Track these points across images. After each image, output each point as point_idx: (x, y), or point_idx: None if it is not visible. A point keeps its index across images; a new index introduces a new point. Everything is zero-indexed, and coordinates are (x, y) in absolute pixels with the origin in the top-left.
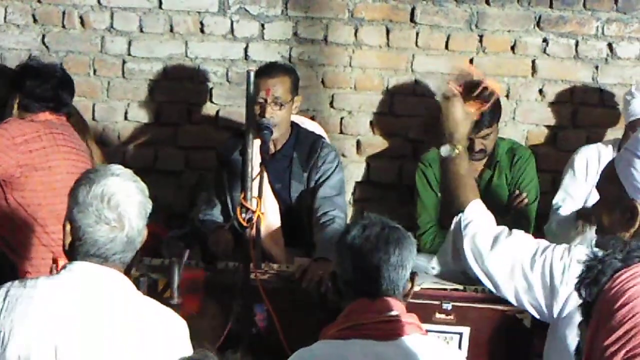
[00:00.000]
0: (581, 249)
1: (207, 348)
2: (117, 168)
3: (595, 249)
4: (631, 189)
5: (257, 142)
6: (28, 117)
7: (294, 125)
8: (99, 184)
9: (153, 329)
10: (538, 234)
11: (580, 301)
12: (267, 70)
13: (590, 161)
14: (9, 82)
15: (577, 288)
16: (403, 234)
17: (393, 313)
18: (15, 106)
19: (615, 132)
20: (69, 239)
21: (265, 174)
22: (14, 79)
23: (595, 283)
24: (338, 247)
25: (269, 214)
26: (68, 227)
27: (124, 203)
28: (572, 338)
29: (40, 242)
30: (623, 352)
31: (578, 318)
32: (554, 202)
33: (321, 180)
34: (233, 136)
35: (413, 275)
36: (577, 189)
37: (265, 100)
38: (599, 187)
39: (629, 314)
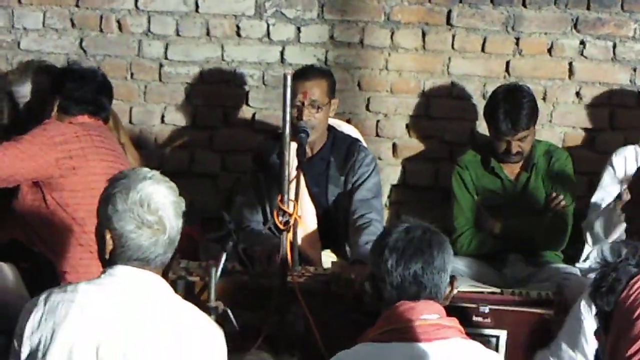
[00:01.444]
0: None
1: (264, 350)
2: (146, 171)
3: (605, 255)
4: None
5: (293, 145)
6: (67, 119)
7: (330, 129)
8: (135, 190)
9: (191, 333)
10: (576, 234)
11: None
12: (304, 73)
13: (628, 161)
14: (49, 84)
15: (593, 297)
16: (443, 237)
17: (434, 316)
18: (55, 108)
19: None
20: (110, 247)
21: (302, 177)
22: (54, 81)
23: (611, 291)
24: (379, 249)
25: (306, 217)
26: (108, 236)
27: (162, 205)
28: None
29: (78, 242)
30: None
31: None
32: (592, 200)
33: (358, 183)
34: (270, 138)
35: (452, 279)
36: (616, 188)
37: (303, 104)
38: (632, 187)
39: None
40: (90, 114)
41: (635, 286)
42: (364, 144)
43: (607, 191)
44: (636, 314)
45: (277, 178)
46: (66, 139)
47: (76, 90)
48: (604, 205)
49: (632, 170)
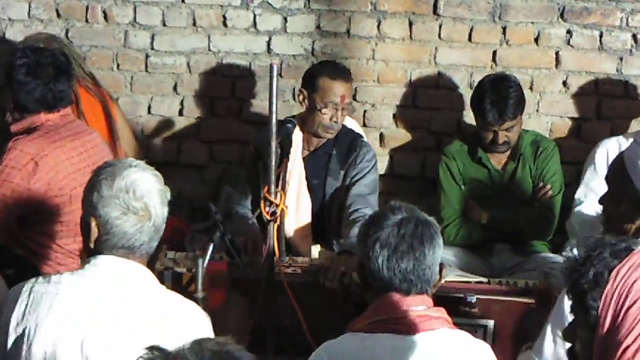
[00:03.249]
0: None
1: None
2: (131, 160)
3: (574, 252)
4: (638, 181)
5: (299, 135)
6: (29, 117)
7: None
8: (121, 176)
9: (176, 322)
10: (563, 224)
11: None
12: (341, 74)
13: (610, 154)
14: (4, 74)
15: (576, 295)
16: (435, 229)
17: (421, 307)
18: (13, 105)
19: None
20: (95, 235)
21: (298, 170)
22: (6, 74)
23: (595, 286)
24: (370, 241)
25: (301, 210)
26: (93, 223)
27: (148, 192)
28: None
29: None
30: None
31: None
32: (576, 196)
33: (357, 178)
34: (267, 127)
35: (441, 266)
36: (599, 183)
37: (337, 105)
38: (608, 178)
39: None
40: (48, 110)
41: (619, 278)
42: (366, 139)
43: (590, 187)
44: (626, 305)
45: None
46: (37, 161)
47: (26, 85)
48: (586, 202)
49: None
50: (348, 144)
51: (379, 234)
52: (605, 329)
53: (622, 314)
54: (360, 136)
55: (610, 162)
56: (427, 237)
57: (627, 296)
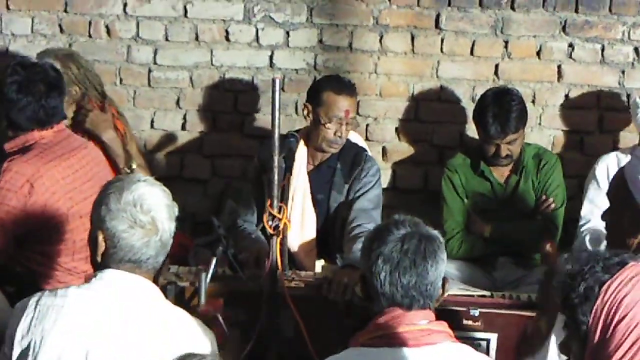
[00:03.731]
0: None
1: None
2: (140, 175)
3: (568, 268)
4: (638, 195)
5: (304, 150)
6: (23, 135)
7: None
8: (129, 190)
9: (181, 338)
10: (566, 237)
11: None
12: (345, 89)
13: (610, 169)
14: None
15: (567, 310)
16: (438, 244)
17: (424, 322)
18: (6, 122)
19: None
20: (102, 248)
21: (303, 185)
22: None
23: (586, 300)
24: (373, 255)
25: (306, 226)
26: (100, 237)
27: (156, 206)
28: None
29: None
30: None
31: None
32: (582, 214)
33: (360, 192)
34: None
35: (444, 281)
36: (603, 199)
37: (341, 120)
38: (610, 194)
39: (631, 324)
40: (41, 127)
41: (609, 292)
42: (370, 153)
43: (595, 204)
44: (615, 320)
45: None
46: (32, 183)
47: (18, 103)
48: (593, 219)
49: None
50: (352, 158)
51: (382, 248)
52: (595, 343)
53: (611, 329)
54: (365, 150)
55: (610, 177)
56: (430, 252)
57: (616, 311)
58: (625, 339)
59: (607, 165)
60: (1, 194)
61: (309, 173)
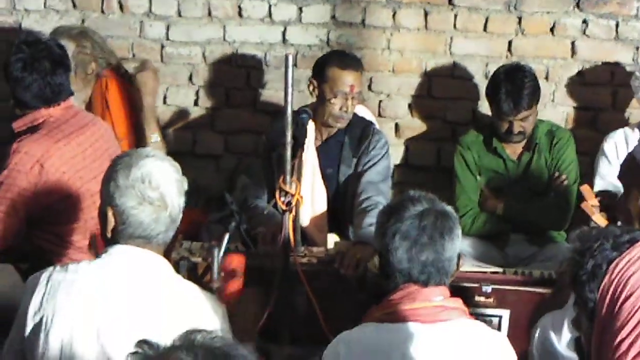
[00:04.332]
0: None
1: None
2: (149, 150)
3: (578, 244)
4: None
5: (311, 126)
6: (30, 114)
7: None
8: (137, 167)
9: (191, 311)
10: (578, 215)
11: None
12: (350, 64)
13: (619, 145)
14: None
15: (576, 286)
16: (453, 220)
17: (438, 298)
18: (14, 101)
19: None
20: (111, 225)
21: (312, 159)
22: (5, 70)
23: (593, 278)
24: (390, 232)
25: (316, 200)
26: (110, 213)
27: (164, 182)
28: None
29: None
30: (639, 342)
31: None
32: (595, 191)
33: (368, 165)
34: (281, 119)
35: (459, 257)
36: (614, 174)
37: (347, 95)
38: (621, 177)
39: (637, 303)
40: (48, 105)
41: (616, 270)
42: (378, 126)
43: (607, 180)
44: (622, 297)
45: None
46: (42, 163)
47: (23, 81)
48: None
49: (622, 153)
50: (360, 132)
51: (399, 225)
52: (601, 321)
53: (617, 307)
54: (372, 124)
55: (619, 152)
56: (447, 229)
57: (622, 290)
58: (631, 317)
59: (615, 142)
60: (12, 175)
61: (317, 148)
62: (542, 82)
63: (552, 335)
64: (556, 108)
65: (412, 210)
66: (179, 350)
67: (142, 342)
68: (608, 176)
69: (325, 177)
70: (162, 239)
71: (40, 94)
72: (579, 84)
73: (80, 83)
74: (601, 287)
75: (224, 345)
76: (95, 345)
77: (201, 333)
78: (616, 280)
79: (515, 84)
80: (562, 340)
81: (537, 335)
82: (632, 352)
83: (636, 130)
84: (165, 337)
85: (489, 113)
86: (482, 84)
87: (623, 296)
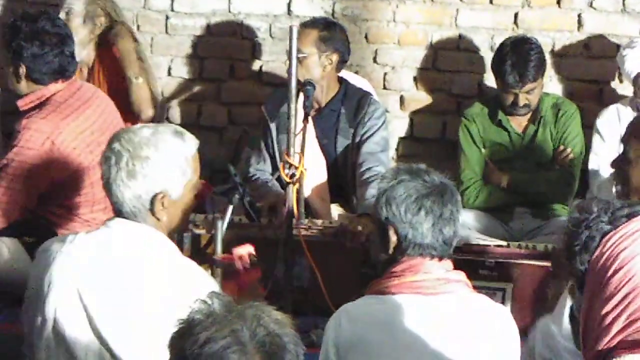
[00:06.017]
0: None
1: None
2: (145, 126)
3: (575, 215)
4: None
5: (301, 97)
6: (39, 90)
7: (342, 81)
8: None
9: (182, 285)
10: (583, 187)
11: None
12: (310, 24)
13: (612, 122)
14: (3, 43)
15: (567, 257)
16: (458, 193)
17: (441, 270)
18: (23, 78)
19: None
20: None
21: (308, 130)
22: (10, 44)
23: (585, 249)
24: (396, 203)
25: (315, 170)
26: None
27: None
28: None
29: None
30: (624, 317)
31: None
32: (590, 167)
33: (366, 136)
34: (279, 90)
35: None
36: (607, 150)
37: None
38: (624, 140)
39: (625, 277)
40: (60, 79)
41: (609, 244)
42: (376, 97)
43: (601, 156)
44: (611, 270)
45: (287, 128)
46: (53, 140)
47: (39, 57)
48: (601, 172)
49: (615, 129)
50: (356, 102)
51: (403, 197)
52: (589, 293)
53: (604, 281)
54: (369, 94)
55: (612, 129)
56: (460, 204)
57: (612, 264)
58: (618, 292)
59: (608, 119)
60: (22, 152)
61: (312, 118)
62: (547, 55)
63: (553, 328)
64: (562, 81)
65: (416, 182)
66: (239, 321)
67: (213, 294)
68: (601, 153)
69: (322, 148)
70: None
71: (60, 68)
72: (585, 57)
73: (87, 36)
74: (592, 260)
75: (284, 335)
76: (83, 315)
77: (264, 314)
78: (607, 254)
79: (521, 56)
80: (563, 332)
81: (538, 329)
82: (615, 328)
83: (628, 107)
84: (154, 312)
85: (495, 86)
86: (487, 57)
87: (612, 270)
